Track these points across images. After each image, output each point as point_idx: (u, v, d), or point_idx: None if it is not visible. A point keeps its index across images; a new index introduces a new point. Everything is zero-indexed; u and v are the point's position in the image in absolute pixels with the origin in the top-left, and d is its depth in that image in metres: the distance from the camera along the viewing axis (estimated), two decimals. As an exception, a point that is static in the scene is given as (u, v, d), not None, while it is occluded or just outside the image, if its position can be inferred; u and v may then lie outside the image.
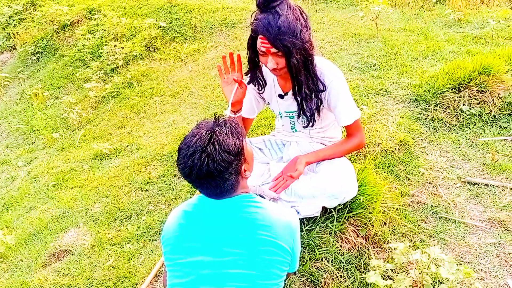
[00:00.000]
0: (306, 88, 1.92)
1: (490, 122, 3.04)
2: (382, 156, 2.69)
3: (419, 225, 2.31)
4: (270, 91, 2.18)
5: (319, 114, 2.04)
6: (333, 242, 1.98)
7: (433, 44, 4.04)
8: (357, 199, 2.03)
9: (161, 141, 3.49)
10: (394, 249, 1.87)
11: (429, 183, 2.59)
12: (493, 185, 2.54)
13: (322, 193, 1.96)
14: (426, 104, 3.17)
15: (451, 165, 2.73)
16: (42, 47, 6.78)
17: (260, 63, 2.00)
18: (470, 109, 3.08)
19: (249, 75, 2.07)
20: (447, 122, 3.07)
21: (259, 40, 1.81)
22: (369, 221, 2.09)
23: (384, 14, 4.87)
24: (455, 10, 4.77)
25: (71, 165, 3.58)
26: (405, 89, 3.36)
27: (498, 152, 2.78)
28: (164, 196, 2.84)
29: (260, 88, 2.11)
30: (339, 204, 2.01)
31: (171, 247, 1.51)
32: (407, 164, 2.69)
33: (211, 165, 1.39)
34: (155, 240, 2.45)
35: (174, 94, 4.47)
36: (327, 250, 1.96)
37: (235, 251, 1.43)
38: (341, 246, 2.00)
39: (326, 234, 1.99)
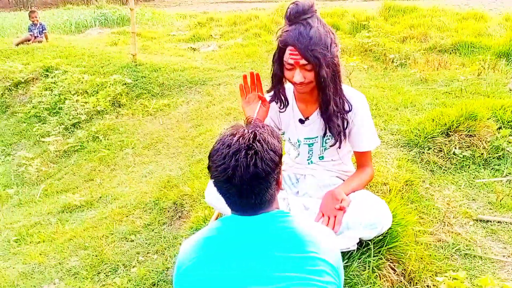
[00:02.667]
0: (334, 104, 1.82)
1: (483, 165, 3.07)
2: (392, 196, 2.58)
3: (446, 263, 2.15)
4: (288, 117, 2.05)
5: (345, 136, 1.92)
6: (373, 279, 1.76)
7: (408, 97, 4.16)
8: (393, 231, 1.86)
9: (142, 190, 3.18)
10: (443, 282, 1.69)
11: (443, 221, 2.48)
12: (506, 222, 2.48)
13: (359, 222, 1.78)
14: (419, 148, 3.16)
15: (458, 204, 2.66)
16: (-9, 104, 6.32)
17: (284, 80, 1.89)
18: (462, 152, 3.11)
19: (271, 92, 1.94)
20: (442, 165, 3.06)
21: (287, 52, 1.74)
22: (404, 255, 1.91)
23: (354, 75, 5.04)
24: (420, 70, 5.03)
25: (35, 219, 3.14)
26: (394, 135, 3.36)
27: (499, 192, 2.76)
28: (154, 245, 2.50)
29: (282, 106, 1.98)
30: (375, 236, 1.82)
31: (197, 283, 1.23)
32: (417, 203, 2.59)
33: (259, 164, 1.21)
34: (153, 292, 2.09)
35: (147, 146, 4.21)
36: (368, 288, 1.74)
37: (286, 274, 1.18)
38: (381, 284, 1.78)
39: (364, 270, 1.78)
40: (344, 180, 2.13)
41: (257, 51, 6.87)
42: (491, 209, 2.63)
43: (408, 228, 1.95)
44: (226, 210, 2.05)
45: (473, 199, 2.74)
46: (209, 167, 1.27)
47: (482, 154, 3.11)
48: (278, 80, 1.89)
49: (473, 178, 2.95)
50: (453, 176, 2.96)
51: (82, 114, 5.17)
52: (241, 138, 1.23)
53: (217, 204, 2.03)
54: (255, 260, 1.21)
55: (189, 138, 4.00)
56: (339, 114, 1.88)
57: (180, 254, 1.30)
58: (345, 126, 1.92)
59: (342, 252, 1.81)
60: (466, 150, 3.13)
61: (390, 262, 1.88)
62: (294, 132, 2.07)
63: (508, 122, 3.35)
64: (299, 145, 2.09)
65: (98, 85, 5.83)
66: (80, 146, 4.55)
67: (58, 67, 6.56)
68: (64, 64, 6.67)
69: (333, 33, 1.80)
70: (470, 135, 3.20)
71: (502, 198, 2.67)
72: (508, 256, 2.23)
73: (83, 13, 13.06)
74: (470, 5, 12.17)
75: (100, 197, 3.30)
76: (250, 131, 1.26)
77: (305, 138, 2.04)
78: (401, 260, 1.91)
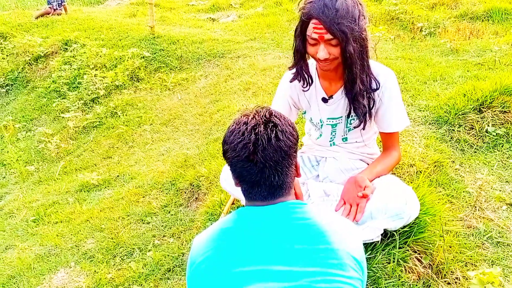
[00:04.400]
0: (360, 82, 1.67)
1: (518, 144, 2.87)
2: (418, 178, 2.43)
3: (477, 252, 2.02)
4: (310, 96, 1.91)
5: (370, 117, 1.78)
6: (398, 272, 1.65)
7: (437, 70, 3.93)
8: (420, 220, 1.74)
9: (159, 169, 3.12)
10: (474, 277, 1.57)
11: (474, 206, 2.33)
12: (543, 207, 2.31)
13: (383, 212, 1.65)
14: (449, 125, 2.98)
15: (490, 187, 2.49)
16: (13, 79, 6.35)
17: (307, 57, 1.74)
18: (496, 130, 2.91)
19: (294, 70, 1.80)
20: (473, 143, 2.88)
21: (311, 25, 1.59)
22: (432, 245, 1.79)
23: (380, 45, 4.80)
24: (450, 40, 4.74)
25: (53, 198, 3.12)
26: (422, 111, 3.17)
27: (535, 173, 2.58)
28: (170, 228, 2.45)
29: (305, 85, 1.84)
30: (401, 227, 1.70)
31: (210, 278, 1.13)
32: (446, 187, 2.44)
33: (281, 136, 1.14)
34: (168, 279, 2.04)
35: (165, 123, 4.13)
36: (392, 282, 1.63)
37: (308, 270, 1.08)
38: (407, 278, 1.67)
39: (389, 263, 1.67)
40: (368, 164, 2.00)
41: (278, 21, 6.64)
42: (526, 192, 2.46)
43: (437, 217, 1.82)
44: (242, 196, 1.96)
45: (507, 181, 2.56)
46: (225, 151, 1.19)
47: (517, 132, 2.91)
48: (300, 56, 1.75)
49: (507, 158, 2.77)
50: (485, 156, 2.78)
51: (100, 89, 5.12)
52: (256, 115, 1.18)
53: (233, 191, 1.94)
54: (274, 254, 1.11)
55: (207, 114, 3.90)
56: (365, 93, 1.73)
57: (193, 250, 1.21)
58: (372, 106, 1.77)
59: (364, 244, 1.70)
60: (500, 128, 2.93)
61: (417, 254, 1.76)
62: (316, 112, 1.93)
63: (547, 97, 3.12)
64: (321, 125, 1.95)
65: (116, 59, 5.75)
66: (99, 122, 4.51)
67: (77, 40, 6.50)
68: (82, 37, 6.59)
69: (361, 4, 1.63)
70: (505, 112, 2.99)
71: (539, 180, 2.50)
72: (545, 245, 2.08)
73: (102, -17, 12.87)
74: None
75: (118, 176, 3.26)
76: (263, 109, 1.20)
77: (328, 118, 1.90)
78: (428, 251, 1.79)
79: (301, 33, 1.66)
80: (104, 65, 5.70)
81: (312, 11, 1.56)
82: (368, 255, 1.68)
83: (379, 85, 1.74)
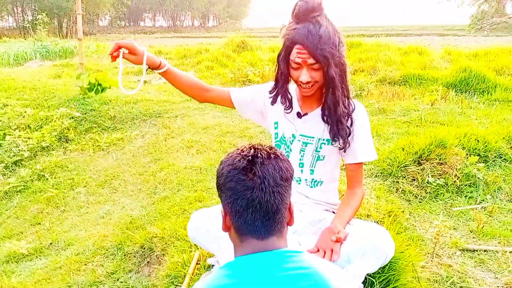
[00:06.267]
0: (342, 105, 1.74)
1: (456, 193, 3.05)
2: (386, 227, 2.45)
3: (444, 298, 2.03)
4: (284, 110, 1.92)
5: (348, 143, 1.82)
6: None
7: (372, 127, 4.06)
8: (395, 265, 1.72)
9: (100, 233, 2.84)
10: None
11: (430, 253, 2.38)
12: (492, 251, 2.42)
13: (360, 253, 1.62)
14: (393, 177, 3.11)
15: (441, 235, 2.57)
16: None
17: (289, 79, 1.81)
18: (436, 180, 3.08)
19: (274, 93, 1.86)
20: (417, 194, 3.01)
21: (295, 50, 1.68)
22: (409, 294, 1.77)
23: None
24: (377, 101, 5.09)
25: (-28, 273, 2.69)
26: (367, 164, 3.28)
27: (478, 220, 2.73)
28: (121, 297, 2.19)
29: (288, 106, 1.86)
30: (380, 267, 1.66)
31: None
32: (403, 235, 2.47)
33: (280, 155, 1.14)
34: None
35: (101, 184, 3.86)
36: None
37: None
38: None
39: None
40: (333, 212, 2.00)
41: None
42: (474, 237, 2.58)
43: (409, 262, 1.82)
44: (212, 247, 1.82)
45: (455, 229, 2.68)
46: (221, 170, 1.15)
47: (454, 182, 3.10)
48: (285, 79, 1.81)
49: (450, 206, 2.92)
50: (430, 206, 2.91)
51: (24, 150, 4.71)
52: (252, 143, 1.19)
53: (204, 241, 1.80)
54: None
55: (148, 173, 3.71)
56: (347, 116, 1.79)
57: None
58: (352, 129, 1.82)
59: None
60: (439, 179, 3.11)
61: (396, 304, 1.73)
62: (290, 126, 1.92)
63: (474, 149, 3.40)
64: (292, 141, 1.93)
65: (42, 119, 5.40)
66: (24, 186, 4.11)
67: (-4, 101, 6.05)
68: (3, 97, 6.16)
69: (339, 33, 1.74)
70: (441, 163, 3.19)
71: (483, 226, 2.63)
72: (502, 287, 2.15)
73: (22, 45, 12.39)
74: (405, 42, 12.93)
75: (51, 243, 2.92)
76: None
77: (301, 135, 1.90)
78: (405, 300, 1.76)
79: (284, 58, 1.74)
80: (29, 125, 5.32)
81: (297, 37, 1.66)
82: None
83: (354, 108, 1.82)
